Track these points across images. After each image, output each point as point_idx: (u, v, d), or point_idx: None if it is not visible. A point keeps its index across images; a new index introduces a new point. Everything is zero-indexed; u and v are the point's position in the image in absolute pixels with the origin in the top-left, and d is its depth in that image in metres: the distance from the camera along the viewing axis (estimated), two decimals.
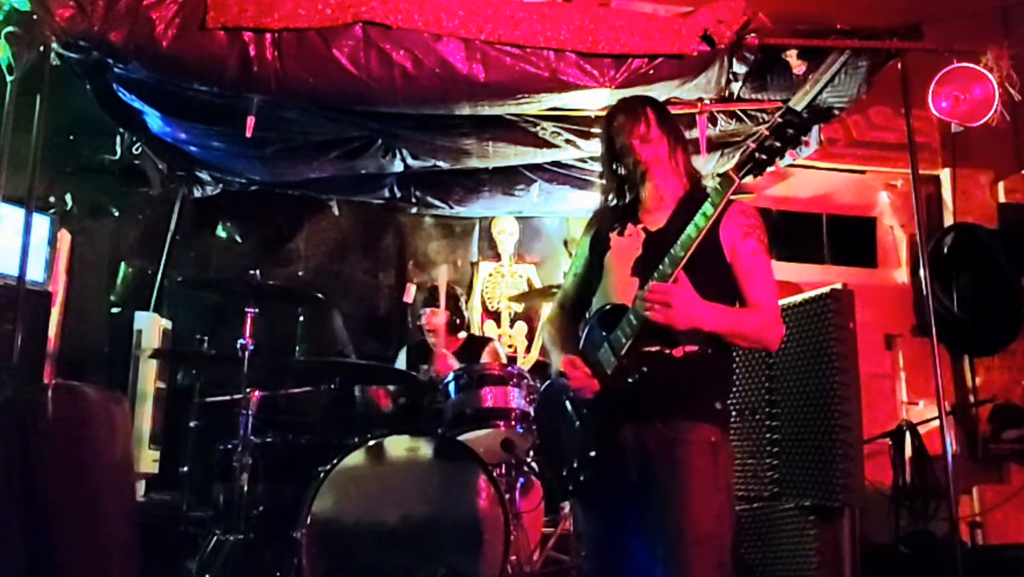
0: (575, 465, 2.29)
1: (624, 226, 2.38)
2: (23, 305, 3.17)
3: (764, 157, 2.06)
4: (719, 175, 2.13)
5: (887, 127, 5.64)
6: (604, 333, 2.27)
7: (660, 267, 2.14)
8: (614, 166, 2.41)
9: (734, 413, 3.46)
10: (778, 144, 2.04)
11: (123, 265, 4.97)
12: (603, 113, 4.01)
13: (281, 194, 5.10)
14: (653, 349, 2.20)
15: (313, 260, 5.32)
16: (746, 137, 4.30)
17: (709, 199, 2.10)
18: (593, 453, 2.24)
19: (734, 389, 3.41)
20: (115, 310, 4.89)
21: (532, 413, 3.74)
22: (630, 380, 2.18)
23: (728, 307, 2.23)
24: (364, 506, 3.30)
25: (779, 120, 2.05)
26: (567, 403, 2.34)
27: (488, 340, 4.84)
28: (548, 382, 2.51)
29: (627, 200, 2.44)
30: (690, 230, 2.10)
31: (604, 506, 2.28)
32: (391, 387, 4.51)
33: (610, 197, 2.47)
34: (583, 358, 2.32)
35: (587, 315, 2.45)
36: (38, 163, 3.17)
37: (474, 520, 3.35)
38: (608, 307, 2.30)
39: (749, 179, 2.13)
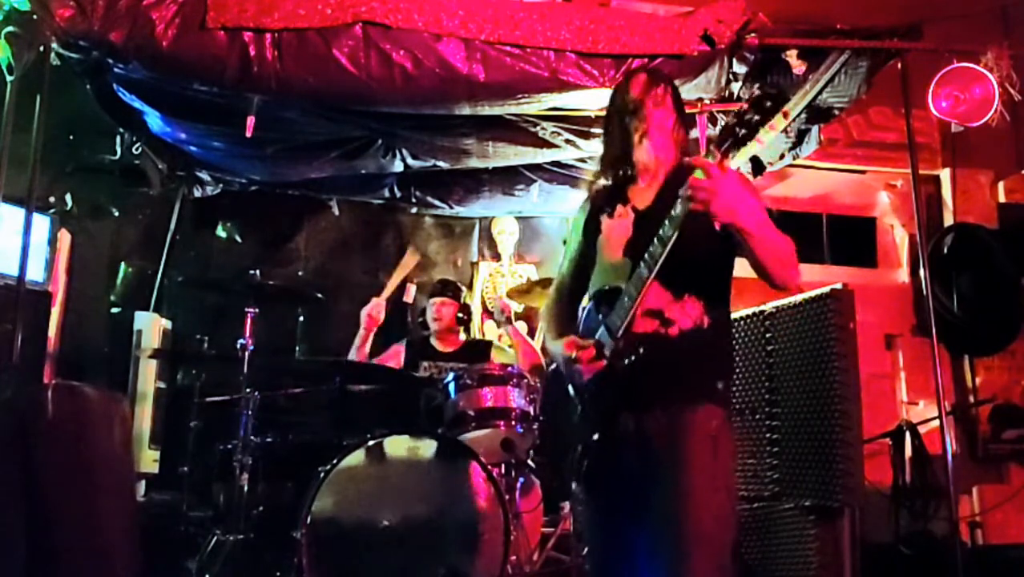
0: (577, 452, 2.29)
1: (614, 208, 2.37)
2: (23, 305, 3.17)
3: (744, 131, 2.02)
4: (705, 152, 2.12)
5: (887, 127, 5.64)
6: (600, 316, 2.26)
7: (650, 248, 2.12)
8: (622, 120, 2.36)
9: (734, 413, 3.46)
10: (757, 117, 2.01)
11: (123, 265, 4.97)
12: (603, 113, 4.03)
13: (281, 194, 5.10)
14: (649, 330, 2.18)
15: (313, 260, 5.32)
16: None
17: (695, 175, 2.07)
18: (595, 438, 2.24)
19: (734, 389, 3.41)
20: (115, 310, 4.89)
21: (532, 413, 3.74)
22: (626, 361, 2.17)
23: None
24: (364, 506, 3.30)
25: (758, 93, 2.05)
26: (570, 390, 2.34)
27: (490, 343, 4.84)
28: (552, 369, 2.51)
29: (618, 177, 2.40)
30: (677, 208, 2.07)
31: (606, 494, 2.27)
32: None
33: (605, 166, 2.44)
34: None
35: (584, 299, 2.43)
36: (38, 163, 3.17)
37: (474, 520, 3.35)
38: (604, 289, 2.29)
39: (748, 170, 2.11)
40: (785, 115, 2.02)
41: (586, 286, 2.41)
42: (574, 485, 2.80)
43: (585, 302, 2.39)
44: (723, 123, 2.05)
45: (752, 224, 2.09)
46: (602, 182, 2.46)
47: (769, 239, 2.14)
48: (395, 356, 4.64)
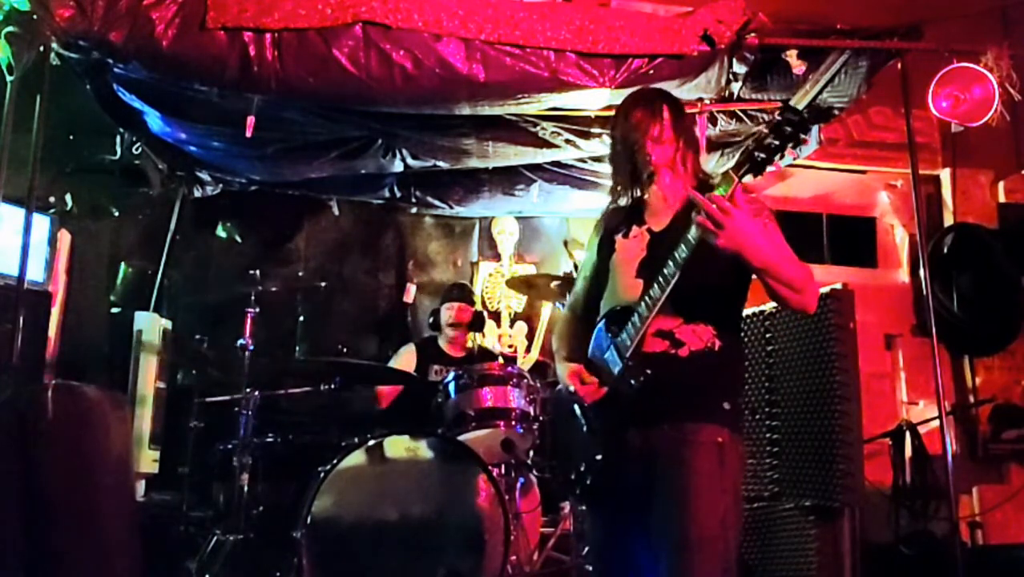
0: (582, 469, 2.28)
1: (629, 228, 2.37)
2: (23, 305, 3.17)
3: (763, 156, 2.03)
4: (720, 175, 2.11)
5: (887, 127, 5.64)
6: (610, 336, 2.26)
7: (664, 270, 2.12)
8: (625, 162, 2.37)
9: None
10: (777, 143, 2.01)
11: (123, 265, 4.97)
12: (603, 113, 4.03)
13: (281, 194, 5.10)
14: (658, 350, 2.19)
15: (313, 260, 5.32)
16: (746, 137, 4.31)
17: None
18: (599, 456, 2.24)
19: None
20: (115, 310, 4.88)
21: (532, 413, 3.74)
22: (633, 383, 2.16)
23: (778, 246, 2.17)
24: (364, 506, 3.30)
25: (778, 118, 2.03)
26: (576, 407, 2.34)
27: (495, 356, 4.85)
28: (558, 388, 2.50)
29: (633, 200, 2.42)
30: (692, 231, 2.07)
31: (610, 509, 2.27)
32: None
33: (617, 195, 2.44)
34: (590, 362, 2.32)
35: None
36: (38, 163, 3.16)
37: (474, 520, 3.35)
38: (616, 309, 2.29)
39: (749, 178, 2.11)
40: (805, 142, 2.01)
41: (599, 305, 2.40)
42: (574, 500, 2.77)
43: (597, 321, 2.38)
44: (744, 148, 2.00)
45: (760, 259, 2.07)
46: (617, 200, 2.45)
47: (780, 271, 2.12)
48: (407, 360, 4.64)
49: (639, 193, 2.40)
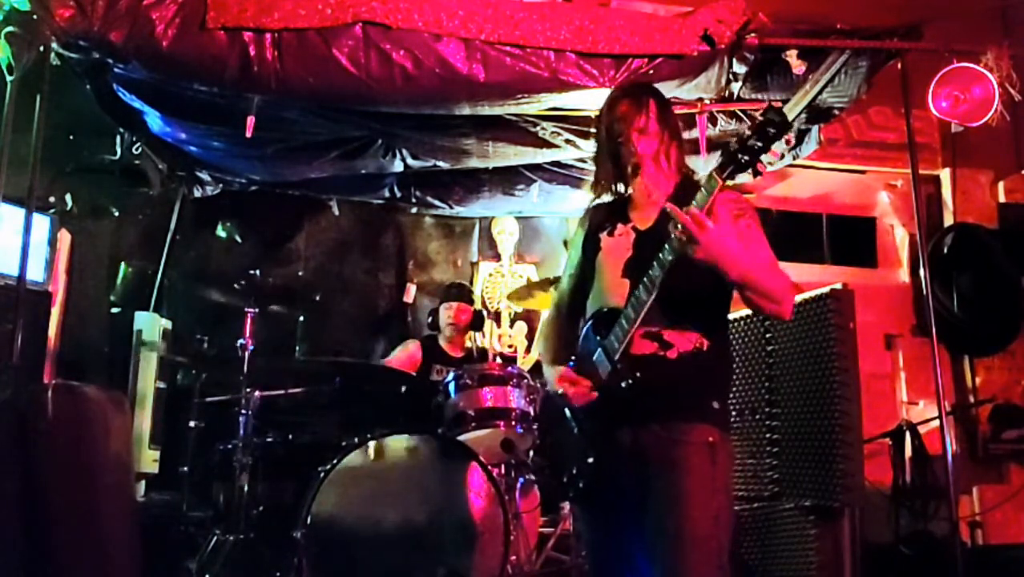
0: (574, 471, 2.28)
1: (614, 226, 2.36)
2: (23, 305, 3.17)
3: (746, 158, 2.03)
4: (704, 177, 2.11)
5: (887, 127, 5.65)
6: (598, 338, 2.25)
7: (650, 272, 2.12)
8: (610, 154, 2.36)
9: (734, 413, 3.46)
10: (760, 144, 2.01)
11: (123, 265, 4.97)
12: None
13: (281, 194, 5.10)
14: (647, 352, 2.18)
15: (313, 260, 5.33)
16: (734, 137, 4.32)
17: (695, 200, 2.07)
18: (591, 459, 2.23)
19: (734, 389, 3.42)
20: (115, 310, 4.88)
21: (532, 413, 3.74)
22: (623, 385, 2.16)
23: (757, 257, 2.17)
24: (364, 506, 3.30)
25: (761, 119, 2.03)
26: (566, 409, 2.33)
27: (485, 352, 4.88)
28: (546, 390, 2.50)
29: (617, 195, 2.41)
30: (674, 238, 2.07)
31: (604, 511, 2.27)
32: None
33: (601, 189, 2.43)
34: (577, 363, 2.32)
35: (583, 319, 2.43)
36: (38, 163, 3.16)
37: (474, 520, 3.35)
38: (603, 310, 2.29)
39: (747, 178, 2.11)
40: (788, 141, 2.00)
41: (585, 304, 2.39)
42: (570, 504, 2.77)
43: (584, 322, 2.37)
44: (726, 148, 2.01)
45: (738, 272, 2.07)
46: (600, 200, 2.44)
47: (758, 283, 2.12)
48: (410, 356, 4.64)
49: (623, 187, 2.38)
